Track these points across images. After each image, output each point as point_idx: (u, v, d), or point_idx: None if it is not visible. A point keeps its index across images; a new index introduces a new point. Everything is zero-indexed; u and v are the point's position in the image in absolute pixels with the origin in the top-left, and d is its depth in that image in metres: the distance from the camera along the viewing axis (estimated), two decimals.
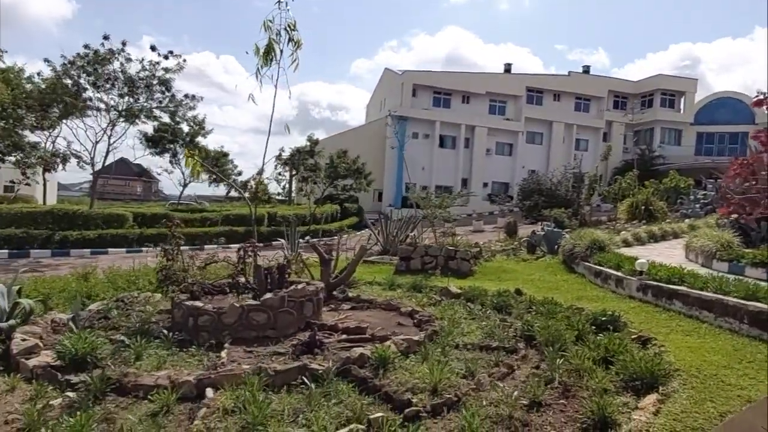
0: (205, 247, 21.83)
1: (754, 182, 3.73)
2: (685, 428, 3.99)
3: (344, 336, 6.91)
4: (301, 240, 21.64)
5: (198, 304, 6.55)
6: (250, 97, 7.68)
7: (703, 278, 8.68)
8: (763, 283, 8.12)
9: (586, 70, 54.31)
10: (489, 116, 48.09)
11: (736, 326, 7.08)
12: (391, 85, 47.21)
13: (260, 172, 15.79)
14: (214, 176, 27.76)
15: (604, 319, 7.64)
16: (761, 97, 3.35)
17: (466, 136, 46.56)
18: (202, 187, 68.33)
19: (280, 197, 41.36)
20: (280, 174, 30.61)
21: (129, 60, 25.52)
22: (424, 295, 10.73)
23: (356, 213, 33.97)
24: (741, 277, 9.95)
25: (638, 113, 49.44)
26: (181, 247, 7.37)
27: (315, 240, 13.99)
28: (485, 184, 47.09)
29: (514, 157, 48.34)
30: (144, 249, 19.37)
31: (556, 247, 16.86)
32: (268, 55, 7.83)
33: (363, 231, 25.56)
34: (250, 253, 7.06)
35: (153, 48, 26.26)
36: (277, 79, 7.81)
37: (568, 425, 4.31)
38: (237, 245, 8.56)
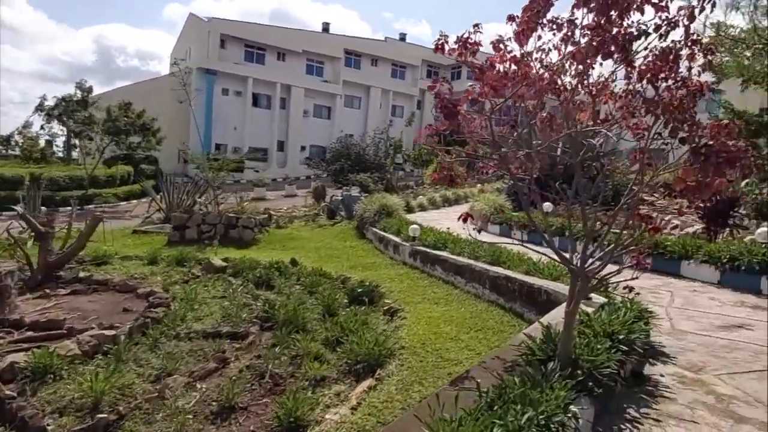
0: None
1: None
2: (375, 425, 3.52)
3: (30, 333, 5.38)
4: (77, 209, 18.41)
5: None
6: None
7: (462, 243, 8.87)
8: (504, 243, 8.54)
9: (403, 37, 55.85)
10: (306, 77, 46.69)
11: (480, 291, 7.22)
12: (197, 33, 42.53)
13: (26, 125, 12.56)
14: None
15: (360, 290, 7.25)
16: (442, 40, 2.95)
17: (282, 96, 44.67)
18: None
19: (60, 155, 35.17)
20: (42, 128, 25.42)
21: None
22: (187, 270, 9.45)
23: (154, 175, 30.35)
24: (506, 240, 10.62)
25: (447, 84, 52.53)
26: None
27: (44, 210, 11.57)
28: (303, 148, 46.05)
29: (333, 121, 48.00)
30: None
31: (353, 212, 16.71)
32: None
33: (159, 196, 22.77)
34: None
35: None
36: None
37: None
38: None
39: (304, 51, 45.87)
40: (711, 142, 2.32)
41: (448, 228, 10.48)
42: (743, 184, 15.87)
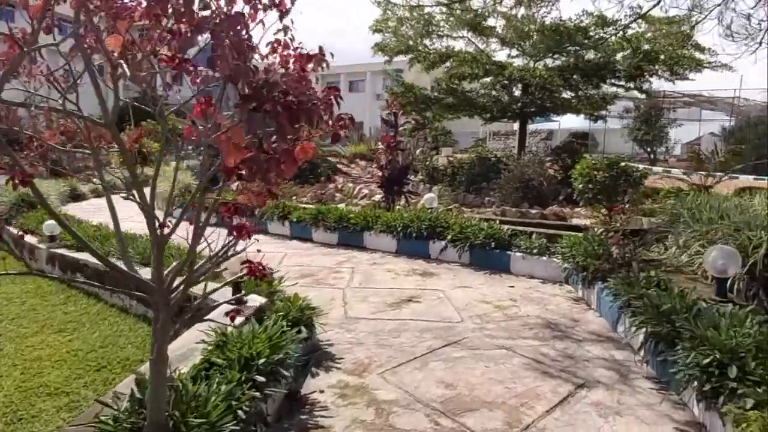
0: None
1: None
2: None
3: None
4: None
5: None
6: None
7: (115, 238, 6.94)
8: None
9: None
10: None
11: (127, 303, 5.57)
12: None
13: None
14: None
15: None
16: None
17: None
18: None
19: None
20: None
21: None
22: None
23: None
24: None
25: None
26: None
27: None
28: None
29: None
30: None
31: None
32: None
33: None
34: None
35: None
36: None
37: None
38: None
39: None
40: (275, 80, 1.34)
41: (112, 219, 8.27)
42: (417, 152, 17.61)
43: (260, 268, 2.31)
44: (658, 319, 3.49)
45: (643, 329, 3.65)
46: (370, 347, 4.12)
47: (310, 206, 9.34)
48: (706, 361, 2.84)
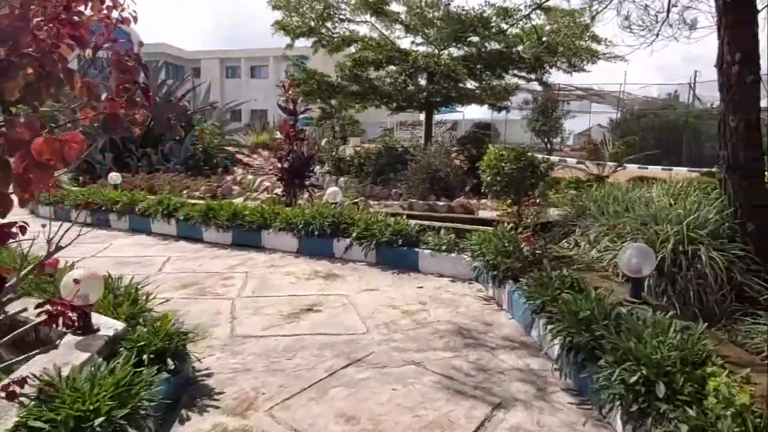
0: None
1: None
2: None
3: None
4: None
5: None
6: None
7: None
8: None
9: None
10: None
11: None
12: None
13: None
14: None
15: None
16: None
17: None
18: None
19: None
20: None
21: None
22: None
23: None
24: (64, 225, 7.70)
25: None
26: None
27: None
28: None
29: None
30: None
31: None
32: None
33: None
34: None
35: None
36: None
37: None
38: None
39: None
40: None
41: None
42: (323, 142, 16.93)
43: (69, 308, 1.60)
44: (576, 328, 3.19)
45: (560, 338, 3.35)
46: (259, 374, 3.48)
47: (201, 202, 8.40)
48: (633, 378, 2.53)
